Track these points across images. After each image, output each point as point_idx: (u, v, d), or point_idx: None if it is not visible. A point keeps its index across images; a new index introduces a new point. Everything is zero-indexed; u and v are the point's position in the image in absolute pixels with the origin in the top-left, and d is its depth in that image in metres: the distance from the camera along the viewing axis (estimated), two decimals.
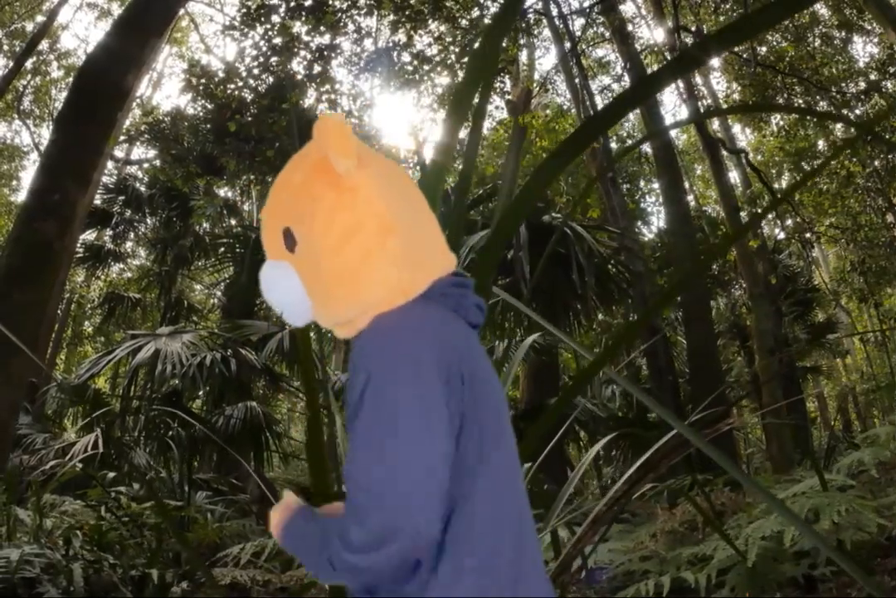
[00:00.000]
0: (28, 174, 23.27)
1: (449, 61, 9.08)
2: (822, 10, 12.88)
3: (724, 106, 12.63)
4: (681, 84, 11.52)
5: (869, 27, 12.26)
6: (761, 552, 2.60)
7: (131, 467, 6.16)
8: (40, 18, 14.83)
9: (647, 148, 11.60)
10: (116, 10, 15.35)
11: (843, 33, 12.74)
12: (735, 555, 2.66)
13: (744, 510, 3.43)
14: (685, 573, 2.76)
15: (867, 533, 3.16)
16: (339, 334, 1.13)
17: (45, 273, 5.62)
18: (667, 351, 8.26)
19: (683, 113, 15.64)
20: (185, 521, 4.68)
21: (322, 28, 8.70)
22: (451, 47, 9.38)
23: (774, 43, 12.04)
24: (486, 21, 9.80)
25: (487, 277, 1.39)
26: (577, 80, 9.64)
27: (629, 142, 15.91)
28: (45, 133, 16.06)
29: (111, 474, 5.61)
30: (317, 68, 8.68)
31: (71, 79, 15.11)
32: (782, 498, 3.19)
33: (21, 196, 17.65)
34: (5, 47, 14.93)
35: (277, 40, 8.47)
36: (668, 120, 10.45)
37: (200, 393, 8.25)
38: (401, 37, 9.65)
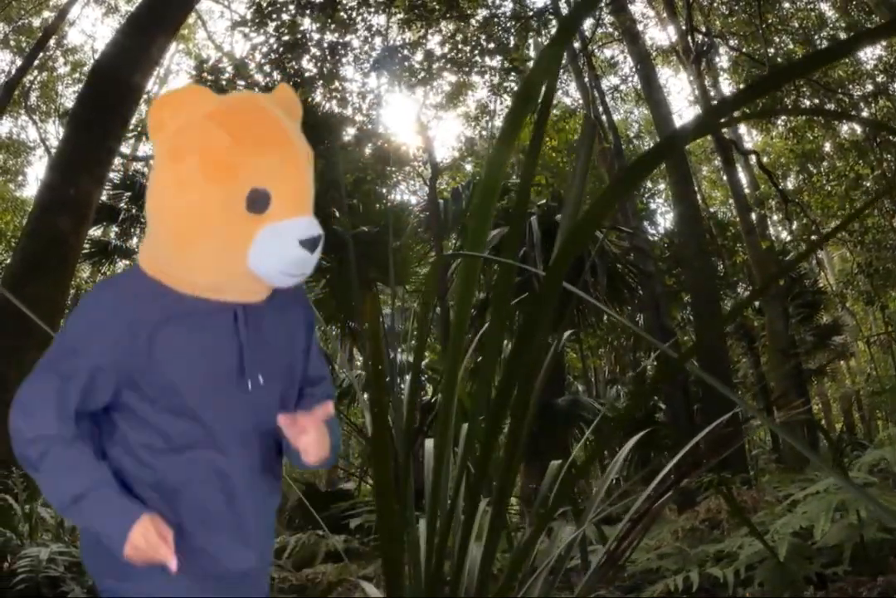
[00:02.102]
0: (34, 170, 23.31)
1: (459, 60, 9.06)
2: (829, 12, 12.89)
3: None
4: (692, 86, 11.51)
5: None
6: (789, 547, 2.59)
7: None
8: (47, 14, 14.82)
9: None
10: (124, 7, 15.34)
11: (851, 35, 12.72)
12: (761, 551, 2.65)
13: (764, 507, 3.43)
14: (712, 569, 2.75)
15: (888, 531, 3.15)
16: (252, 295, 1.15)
17: (60, 268, 5.61)
18: (676, 351, 8.25)
19: (689, 113, 15.62)
20: None
21: (332, 25, 8.69)
22: (461, 46, 9.36)
23: (783, 45, 12.05)
24: (495, 20, 9.80)
25: (554, 293, 1.45)
26: (586, 80, 9.62)
27: (635, 142, 15.98)
28: (52, 129, 16.05)
29: None
30: (326, 66, 8.66)
31: (78, 75, 15.13)
32: (804, 495, 3.18)
33: (27, 192, 17.63)
34: (12, 43, 14.92)
35: (287, 37, 8.45)
36: (674, 119, 10.37)
37: None
38: (409, 35, 9.64)
